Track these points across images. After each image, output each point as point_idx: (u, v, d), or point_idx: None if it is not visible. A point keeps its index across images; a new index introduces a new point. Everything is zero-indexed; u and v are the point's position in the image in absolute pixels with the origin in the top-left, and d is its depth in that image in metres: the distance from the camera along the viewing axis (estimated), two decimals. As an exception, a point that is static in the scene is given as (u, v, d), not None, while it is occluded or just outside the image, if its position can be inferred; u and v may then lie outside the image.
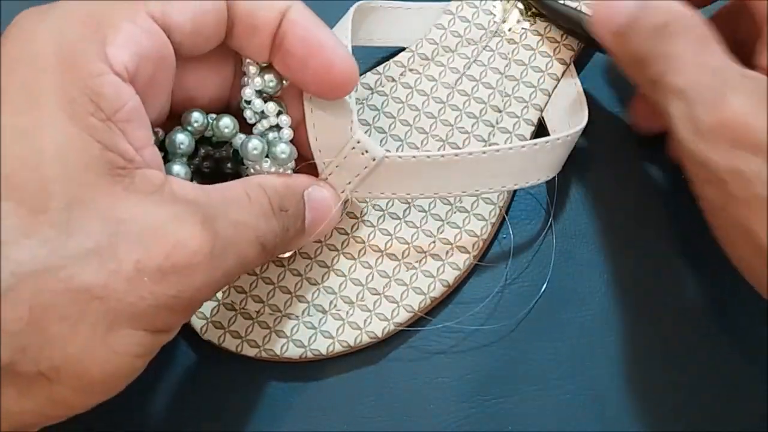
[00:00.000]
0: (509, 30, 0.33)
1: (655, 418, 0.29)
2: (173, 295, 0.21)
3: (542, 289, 0.31)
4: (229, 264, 0.23)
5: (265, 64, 0.26)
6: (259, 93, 0.27)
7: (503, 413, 0.29)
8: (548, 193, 0.33)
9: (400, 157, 0.27)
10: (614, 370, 0.30)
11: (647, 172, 0.33)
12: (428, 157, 0.27)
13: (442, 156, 0.27)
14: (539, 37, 0.33)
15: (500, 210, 0.31)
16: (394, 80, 0.33)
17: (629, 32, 0.26)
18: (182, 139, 0.25)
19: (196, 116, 0.26)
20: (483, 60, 0.33)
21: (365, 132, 0.32)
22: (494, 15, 0.34)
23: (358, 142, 0.27)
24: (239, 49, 0.26)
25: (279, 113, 0.27)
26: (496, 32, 0.33)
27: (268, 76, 0.26)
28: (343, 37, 0.28)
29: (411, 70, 0.33)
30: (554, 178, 0.30)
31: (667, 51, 0.25)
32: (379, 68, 0.33)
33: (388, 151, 0.27)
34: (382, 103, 0.33)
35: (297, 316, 0.30)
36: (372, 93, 0.33)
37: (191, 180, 0.26)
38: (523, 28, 0.33)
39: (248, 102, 0.27)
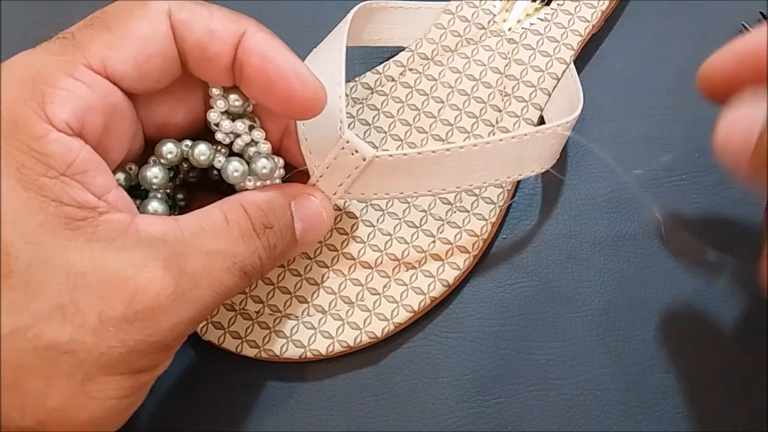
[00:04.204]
0: (509, 30, 0.33)
1: (656, 418, 0.29)
2: (142, 339, 0.22)
3: (542, 289, 0.31)
4: (204, 296, 0.23)
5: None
6: (227, 113, 0.26)
7: (503, 413, 0.29)
8: (548, 192, 0.33)
9: (390, 155, 0.27)
10: (614, 370, 0.30)
11: (648, 172, 0.33)
12: (419, 153, 0.27)
13: (433, 152, 0.27)
14: (539, 37, 0.33)
15: (500, 210, 0.31)
16: (394, 80, 0.33)
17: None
18: (155, 173, 0.25)
19: (169, 147, 0.25)
20: (483, 59, 0.33)
21: (365, 132, 0.32)
22: (494, 15, 0.34)
23: (348, 142, 0.26)
24: (201, 77, 0.25)
25: (251, 128, 0.26)
26: (495, 32, 0.33)
27: (233, 96, 0.26)
28: (338, 41, 0.28)
29: (411, 69, 0.33)
30: (555, 179, 0.30)
31: None
32: (379, 68, 0.33)
33: (383, 150, 0.27)
34: (382, 103, 0.33)
35: (297, 317, 0.30)
36: (372, 93, 0.33)
37: (171, 212, 0.25)
38: (523, 28, 0.33)
39: (217, 125, 0.26)
